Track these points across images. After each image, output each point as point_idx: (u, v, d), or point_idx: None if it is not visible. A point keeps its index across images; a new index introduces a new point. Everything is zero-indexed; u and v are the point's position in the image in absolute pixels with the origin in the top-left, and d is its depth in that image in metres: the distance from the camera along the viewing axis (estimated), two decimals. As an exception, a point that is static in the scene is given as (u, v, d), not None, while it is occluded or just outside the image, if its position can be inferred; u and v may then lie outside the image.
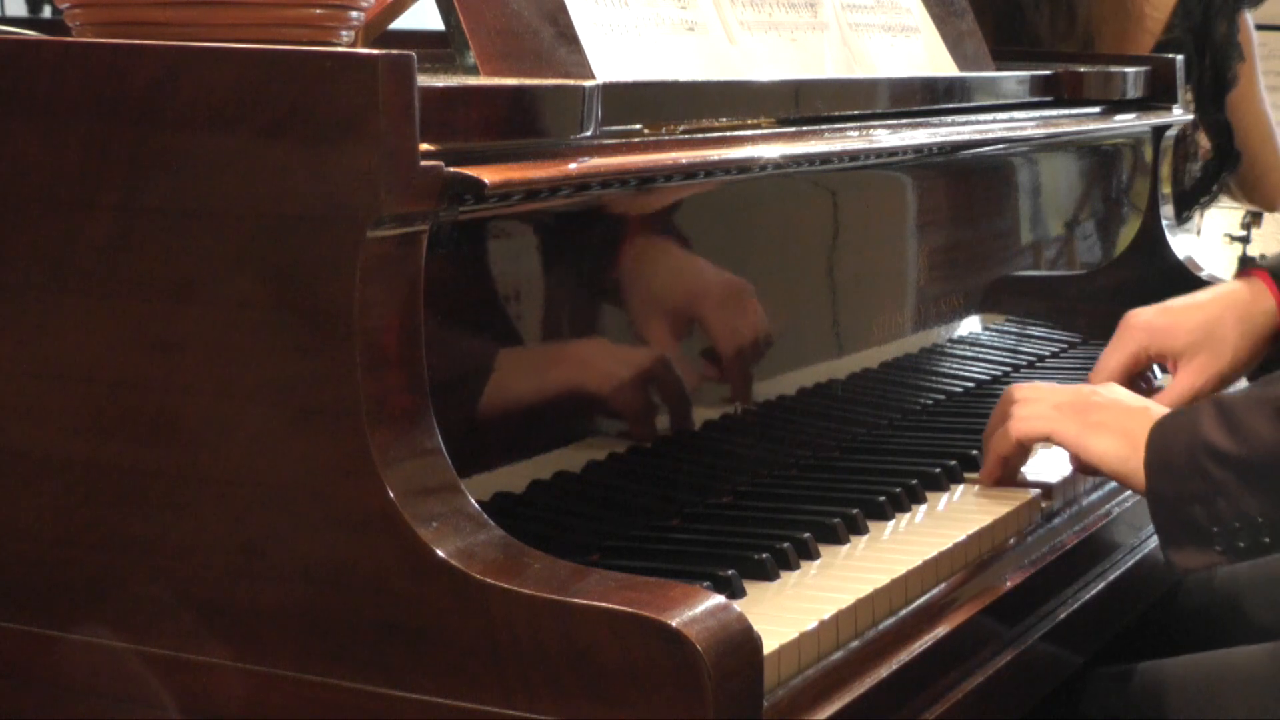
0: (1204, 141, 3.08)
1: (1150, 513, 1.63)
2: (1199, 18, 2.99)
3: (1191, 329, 1.98)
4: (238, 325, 1.24)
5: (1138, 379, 2.05)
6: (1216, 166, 3.10)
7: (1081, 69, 2.40)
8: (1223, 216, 3.86)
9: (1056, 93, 2.33)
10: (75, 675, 1.31)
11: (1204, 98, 3.02)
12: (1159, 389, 2.06)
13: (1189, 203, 3.10)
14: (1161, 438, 1.63)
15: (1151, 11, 2.98)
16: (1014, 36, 2.93)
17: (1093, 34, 2.96)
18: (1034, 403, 1.74)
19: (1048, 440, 1.74)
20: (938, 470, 1.75)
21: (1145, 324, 2.02)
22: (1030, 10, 2.94)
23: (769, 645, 1.26)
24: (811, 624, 1.34)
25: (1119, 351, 2.02)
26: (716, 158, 1.56)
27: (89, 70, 1.27)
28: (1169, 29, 2.98)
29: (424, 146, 1.22)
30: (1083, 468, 1.77)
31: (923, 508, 1.68)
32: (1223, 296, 2.02)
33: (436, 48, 1.76)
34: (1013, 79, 2.22)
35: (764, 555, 1.44)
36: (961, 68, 2.14)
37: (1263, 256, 3.46)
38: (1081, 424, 1.70)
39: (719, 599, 1.18)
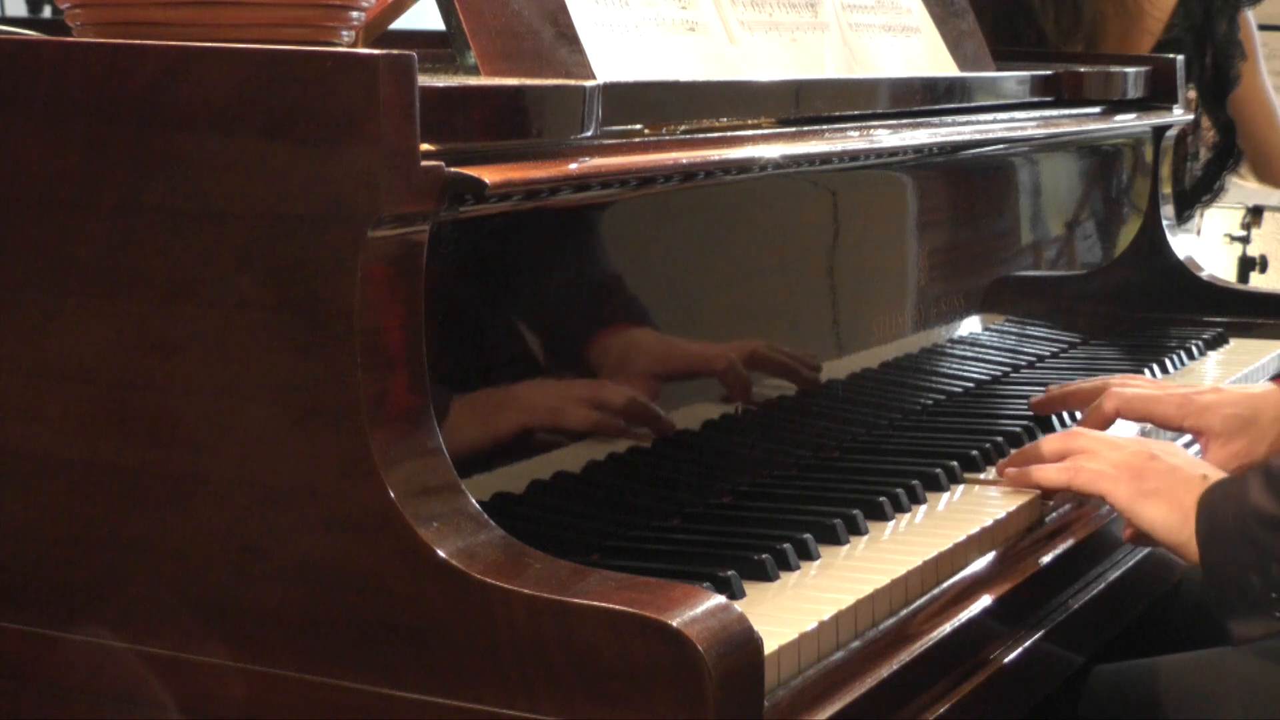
0: (1208, 137, 3.08)
1: (1204, 584, 1.62)
2: (1200, 17, 2.99)
3: (1230, 413, 1.94)
4: (238, 325, 1.24)
5: None
6: (1218, 165, 3.10)
7: (1082, 69, 2.40)
8: (1223, 216, 3.86)
9: (1057, 93, 2.33)
10: (75, 675, 1.31)
11: (1207, 96, 3.02)
12: None
13: (1191, 201, 3.10)
14: (1210, 507, 1.62)
15: (1152, 10, 2.99)
16: (1019, 33, 2.93)
17: (1097, 31, 2.96)
18: (1097, 456, 1.72)
19: (1102, 499, 1.73)
20: (938, 470, 1.75)
21: (1182, 394, 1.98)
22: (1036, 6, 2.94)
23: (769, 646, 1.26)
24: (811, 624, 1.34)
25: (1152, 404, 1.98)
26: (717, 158, 1.56)
27: (89, 70, 1.27)
28: (1170, 28, 2.98)
29: (424, 146, 1.22)
30: (1134, 537, 1.76)
31: (923, 508, 1.68)
32: (1271, 391, 2.00)
33: (436, 48, 1.76)
34: (1013, 79, 2.22)
35: (764, 556, 1.44)
36: (962, 68, 2.14)
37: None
38: (1135, 490, 1.69)
39: (719, 599, 1.18)
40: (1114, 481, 1.70)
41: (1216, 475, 1.68)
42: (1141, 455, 1.73)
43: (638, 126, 1.51)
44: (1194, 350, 2.47)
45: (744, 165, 1.61)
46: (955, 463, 1.79)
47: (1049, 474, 1.73)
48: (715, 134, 1.60)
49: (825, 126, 1.76)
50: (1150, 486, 1.69)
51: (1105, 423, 1.94)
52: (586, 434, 1.51)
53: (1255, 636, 1.61)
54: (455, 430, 1.32)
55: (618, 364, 1.56)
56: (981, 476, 1.79)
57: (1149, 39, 2.98)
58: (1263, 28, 3.28)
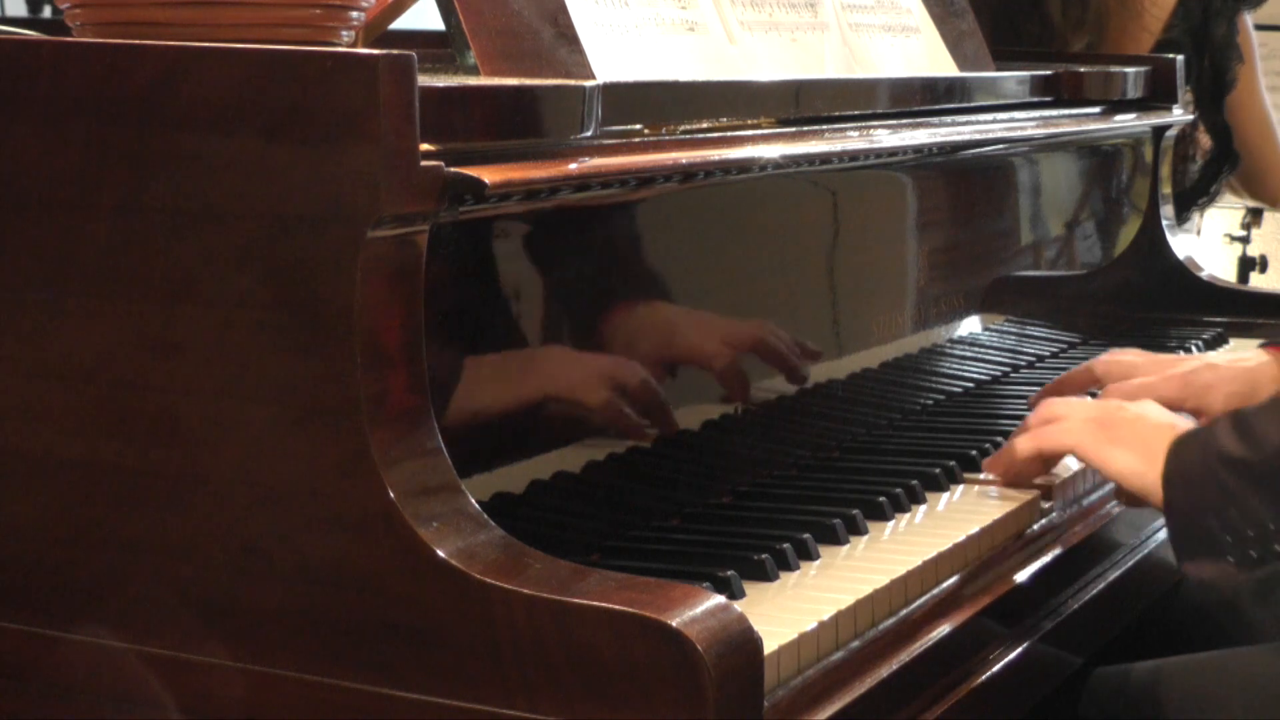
0: (1204, 141, 3.08)
1: (1165, 525, 1.63)
2: (1198, 19, 2.99)
3: (1231, 391, 1.95)
4: (238, 325, 1.24)
5: None
6: (1215, 168, 3.10)
7: (1081, 69, 2.40)
8: (1223, 216, 3.86)
9: (1056, 93, 2.33)
10: (75, 675, 1.31)
11: (1203, 99, 3.02)
12: None
13: (1187, 204, 3.10)
14: (1180, 451, 1.63)
15: (1152, 8, 2.98)
16: (1020, 28, 2.93)
17: (1101, 24, 2.96)
18: (1064, 417, 1.74)
19: (1071, 453, 1.74)
20: (938, 470, 1.75)
21: (1182, 375, 1.99)
22: None
23: (769, 646, 1.26)
24: (811, 624, 1.34)
25: (1153, 391, 1.98)
26: (716, 158, 1.56)
27: (89, 70, 1.27)
28: (1169, 28, 2.98)
29: (424, 146, 1.22)
30: (1119, 494, 1.77)
31: (923, 508, 1.68)
32: (1267, 365, 2.00)
33: (436, 48, 1.76)
34: (1013, 79, 2.22)
35: (763, 556, 1.44)
36: (961, 68, 2.14)
37: None
38: (1102, 438, 1.70)
39: (719, 599, 1.18)
40: (1080, 434, 1.72)
41: (1185, 425, 1.69)
42: (1109, 407, 1.75)
43: (638, 126, 1.51)
44: (1194, 350, 2.47)
45: (744, 165, 1.61)
46: (955, 463, 1.79)
47: (1019, 445, 1.75)
48: (715, 134, 1.60)
49: (825, 126, 1.76)
50: (1117, 434, 1.70)
51: None
52: (599, 414, 1.51)
53: (1206, 578, 1.64)
54: (454, 429, 1.32)
55: (614, 367, 1.56)
56: (981, 476, 1.79)
57: (1148, 38, 2.98)
58: (1262, 28, 3.27)
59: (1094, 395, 2.01)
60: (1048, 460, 1.76)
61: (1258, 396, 1.93)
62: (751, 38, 1.76)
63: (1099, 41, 2.96)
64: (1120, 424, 1.72)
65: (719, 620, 1.16)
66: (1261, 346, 2.06)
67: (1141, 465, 1.66)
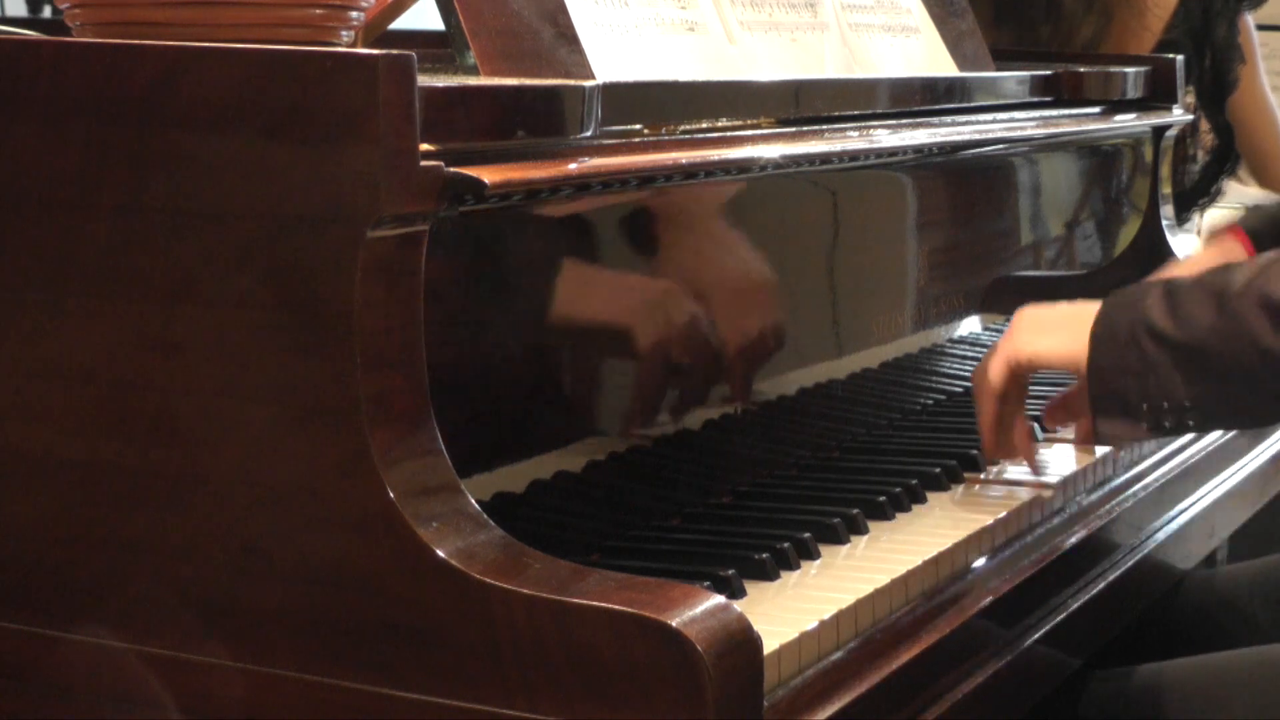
0: (1206, 140, 3.08)
1: (1087, 382, 1.66)
2: (1199, 20, 2.98)
3: None
4: (238, 325, 1.24)
5: None
6: (1215, 168, 3.10)
7: (1081, 69, 2.40)
8: (1223, 217, 3.86)
9: (1056, 93, 2.33)
10: (75, 675, 1.31)
11: (1205, 100, 3.02)
12: None
13: (1188, 204, 3.10)
14: (1110, 312, 1.66)
15: (1155, 8, 2.98)
16: (1023, 16, 2.92)
17: (1109, 13, 2.96)
18: (994, 353, 1.76)
19: (1009, 367, 1.74)
20: (938, 470, 1.75)
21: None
22: None
23: (769, 645, 1.26)
24: (812, 624, 1.34)
25: None
26: (716, 158, 1.56)
27: (89, 70, 1.27)
28: (1169, 29, 2.98)
29: (424, 146, 1.22)
30: (1051, 409, 1.80)
31: (923, 508, 1.68)
32: (1205, 262, 2.01)
33: (436, 48, 1.76)
34: (1013, 79, 2.22)
35: (764, 555, 1.44)
36: (961, 68, 2.14)
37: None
38: (1033, 332, 1.73)
39: (719, 599, 1.18)
40: (1009, 343, 1.73)
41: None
42: (1023, 313, 1.77)
43: (638, 126, 1.51)
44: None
45: (744, 165, 1.61)
46: (955, 462, 1.79)
47: (981, 418, 1.75)
48: (715, 134, 1.60)
49: (825, 126, 1.76)
50: (1047, 323, 1.73)
51: None
52: (584, 433, 1.51)
53: (1119, 437, 1.68)
54: (454, 429, 1.32)
55: (614, 368, 1.56)
56: (981, 476, 1.79)
57: (1149, 37, 2.97)
58: (1263, 28, 3.27)
59: None
60: (1014, 399, 1.76)
61: None
62: (751, 38, 1.76)
63: (1104, 32, 2.95)
64: (1050, 315, 1.74)
65: (719, 620, 1.16)
66: (1217, 236, 2.09)
67: (1071, 341, 1.68)
